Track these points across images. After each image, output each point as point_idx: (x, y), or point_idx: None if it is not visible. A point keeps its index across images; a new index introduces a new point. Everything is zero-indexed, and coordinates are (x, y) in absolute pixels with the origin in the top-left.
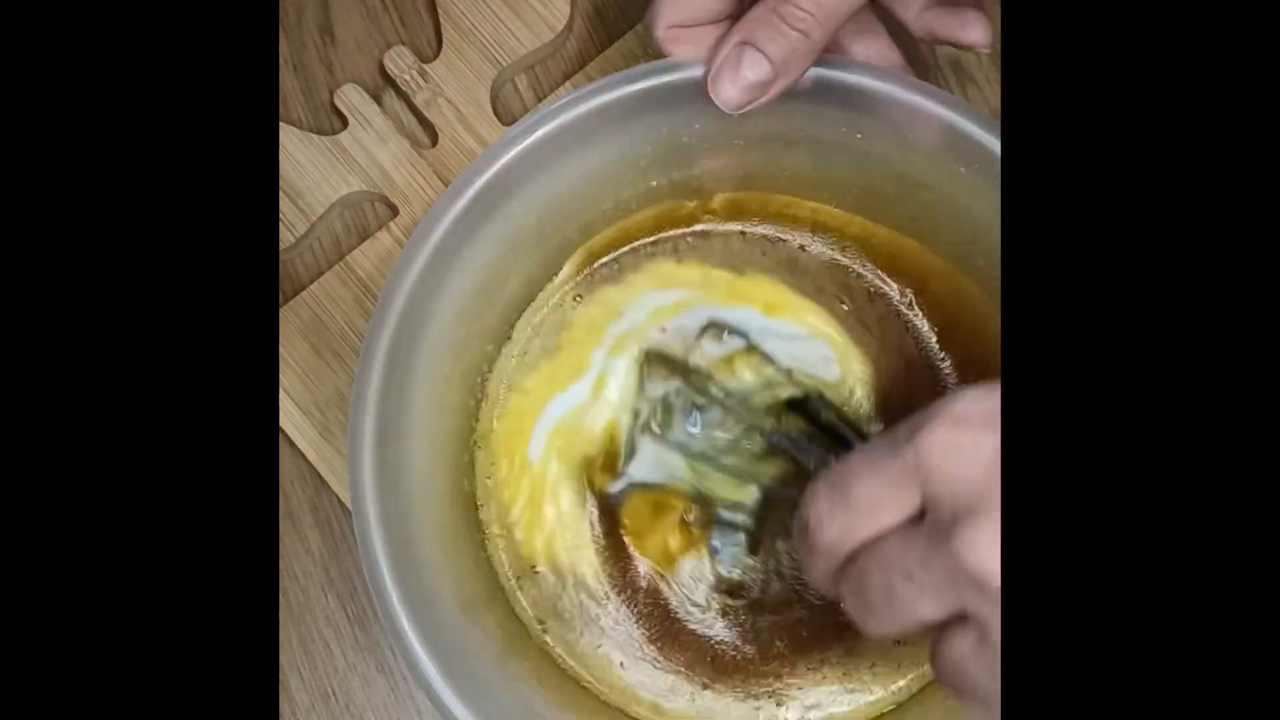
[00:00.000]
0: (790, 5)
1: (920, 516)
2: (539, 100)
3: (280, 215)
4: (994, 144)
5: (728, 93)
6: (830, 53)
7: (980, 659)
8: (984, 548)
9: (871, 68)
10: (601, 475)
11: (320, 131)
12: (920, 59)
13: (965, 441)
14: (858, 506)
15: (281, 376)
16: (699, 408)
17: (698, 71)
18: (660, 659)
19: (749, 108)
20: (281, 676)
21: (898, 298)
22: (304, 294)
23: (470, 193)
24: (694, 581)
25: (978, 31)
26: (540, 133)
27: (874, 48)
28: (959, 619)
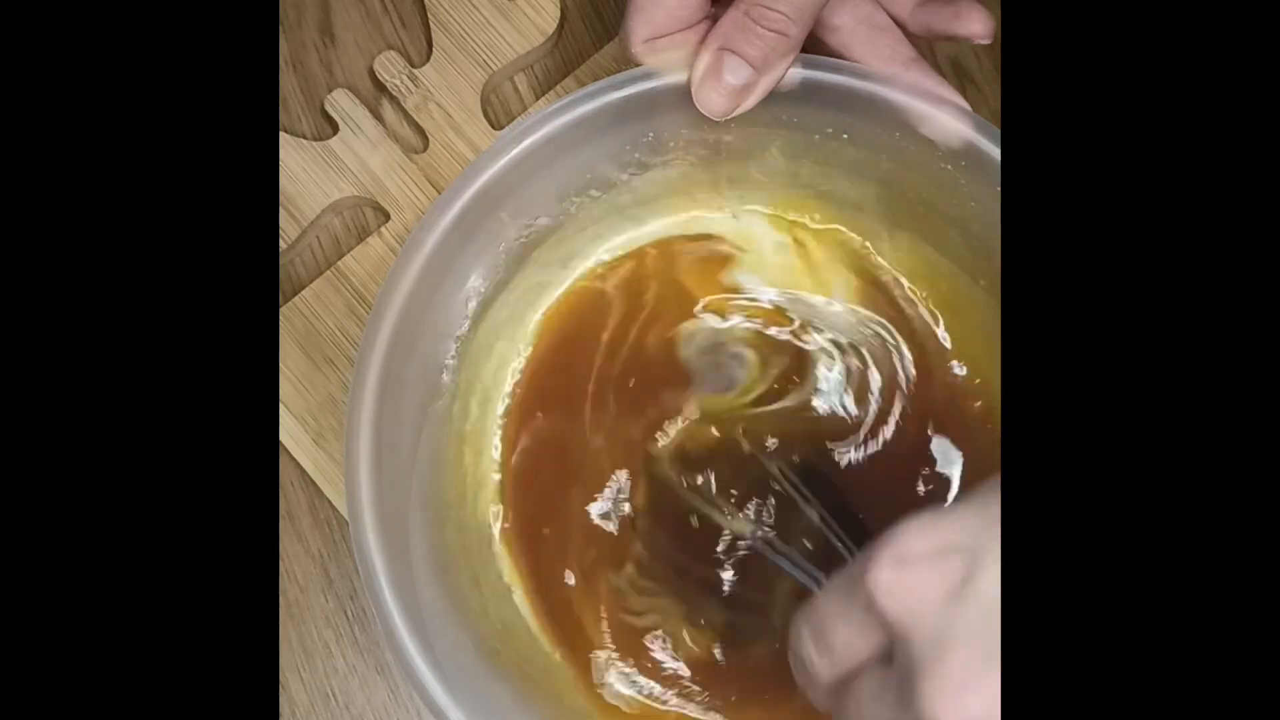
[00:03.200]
0: (761, 7)
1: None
2: (530, 104)
3: None
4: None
5: (713, 101)
6: (835, 56)
7: None
8: (939, 708)
9: (855, 67)
10: None
11: (311, 136)
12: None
13: (908, 584)
14: (836, 649)
15: None
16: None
17: (682, 76)
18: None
19: (736, 112)
20: (281, 678)
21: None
22: (296, 300)
23: (461, 202)
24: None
25: (977, 23)
26: (530, 139)
27: (884, 45)
28: None
